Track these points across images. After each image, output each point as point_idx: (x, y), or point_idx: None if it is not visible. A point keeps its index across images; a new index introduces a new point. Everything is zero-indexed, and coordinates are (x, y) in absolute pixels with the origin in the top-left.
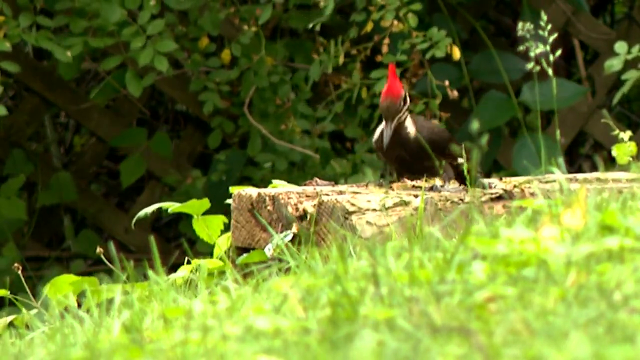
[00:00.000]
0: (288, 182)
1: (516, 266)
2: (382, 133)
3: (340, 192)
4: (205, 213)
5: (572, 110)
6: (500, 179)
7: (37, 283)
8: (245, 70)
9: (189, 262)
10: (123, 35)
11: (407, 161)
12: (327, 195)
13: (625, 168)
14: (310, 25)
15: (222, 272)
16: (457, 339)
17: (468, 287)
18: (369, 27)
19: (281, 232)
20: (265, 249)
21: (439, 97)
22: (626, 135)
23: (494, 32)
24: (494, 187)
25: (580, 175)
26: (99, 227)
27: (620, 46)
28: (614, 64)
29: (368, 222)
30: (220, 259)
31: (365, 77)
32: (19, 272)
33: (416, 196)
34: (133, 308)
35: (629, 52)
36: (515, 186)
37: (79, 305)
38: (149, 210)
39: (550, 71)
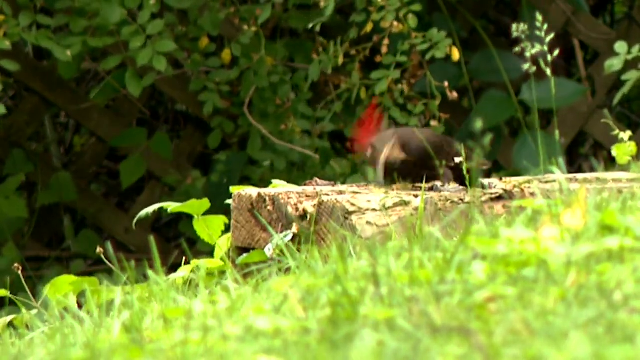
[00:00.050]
0: (288, 182)
1: (516, 266)
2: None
3: (340, 192)
4: (206, 213)
5: (572, 110)
6: (500, 179)
7: (37, 283)
8: (245, 70)
9: (188, 262)
10: (123, 35)
11: (405, 173)
12: (327, 195)
13: (625, 168)
14: (310, 26)
15: (222, 272)
16: (457, 339)
17: (468, 287)
18: (369, 27)
19: (281, 232)
20: (265, 249)
21: (438, 97)
22: (626, 135)
23: (494, 32)
24: (494, 187)
25: (580, 175)
26: (99, 227)
27: (620, 46)
28: (614, 64)
29: (368, 222)
30: (221, 259)
31: (365, 77)
32: (19, 272)
33: (416, 196)
34: (133, 308)
35: (629, 52)
36: (515, 186)
37: (79, 306)
38: (149, 210)
39: (548, 71)
